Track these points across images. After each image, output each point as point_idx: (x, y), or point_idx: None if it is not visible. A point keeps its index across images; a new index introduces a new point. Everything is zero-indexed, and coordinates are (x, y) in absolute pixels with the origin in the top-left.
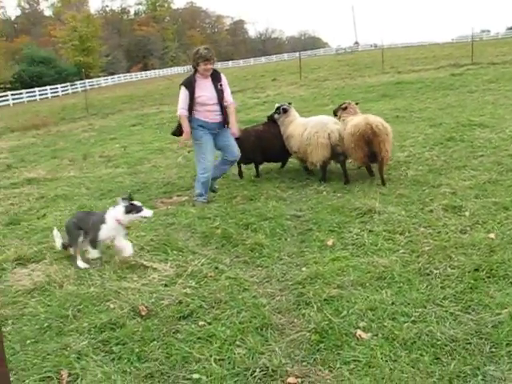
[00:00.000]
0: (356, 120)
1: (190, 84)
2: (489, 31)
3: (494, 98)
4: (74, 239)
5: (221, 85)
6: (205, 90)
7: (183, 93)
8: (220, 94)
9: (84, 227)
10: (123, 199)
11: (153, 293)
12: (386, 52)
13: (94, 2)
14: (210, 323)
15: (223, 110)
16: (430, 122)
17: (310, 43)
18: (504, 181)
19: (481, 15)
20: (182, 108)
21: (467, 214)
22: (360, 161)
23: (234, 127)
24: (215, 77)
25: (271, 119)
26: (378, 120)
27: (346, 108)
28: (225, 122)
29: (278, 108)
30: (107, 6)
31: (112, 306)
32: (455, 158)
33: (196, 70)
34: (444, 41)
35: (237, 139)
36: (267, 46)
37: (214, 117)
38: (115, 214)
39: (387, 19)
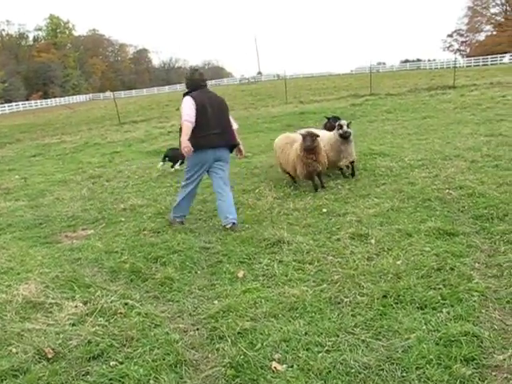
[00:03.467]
0: None
1: None
2: (384, 64)
3: (392, 128)
4: None
5: None
6: None
7: None
8: None
9: None
10: None
11: (59, 333)
12: (288, 82)
13: None
14: (121, 363)
15: None
16: None
17: (213, 72)
18: (406, 208)
19: (377, 48)
20: None
21: (373, 241)
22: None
23: None
24: None
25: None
26: None
27: None
28: None
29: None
30: (3, 29)
31: (14, 350)
32: (359, 186)
33: None
34: (343, 72)
35: None
36: (171, 75)
37: None
38: None
39: (289, 50)
